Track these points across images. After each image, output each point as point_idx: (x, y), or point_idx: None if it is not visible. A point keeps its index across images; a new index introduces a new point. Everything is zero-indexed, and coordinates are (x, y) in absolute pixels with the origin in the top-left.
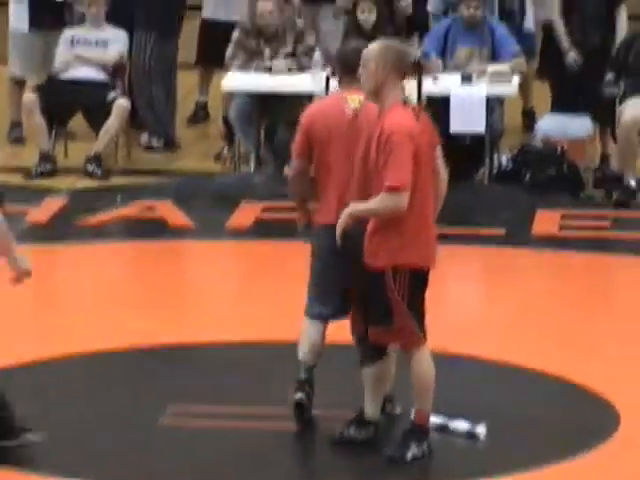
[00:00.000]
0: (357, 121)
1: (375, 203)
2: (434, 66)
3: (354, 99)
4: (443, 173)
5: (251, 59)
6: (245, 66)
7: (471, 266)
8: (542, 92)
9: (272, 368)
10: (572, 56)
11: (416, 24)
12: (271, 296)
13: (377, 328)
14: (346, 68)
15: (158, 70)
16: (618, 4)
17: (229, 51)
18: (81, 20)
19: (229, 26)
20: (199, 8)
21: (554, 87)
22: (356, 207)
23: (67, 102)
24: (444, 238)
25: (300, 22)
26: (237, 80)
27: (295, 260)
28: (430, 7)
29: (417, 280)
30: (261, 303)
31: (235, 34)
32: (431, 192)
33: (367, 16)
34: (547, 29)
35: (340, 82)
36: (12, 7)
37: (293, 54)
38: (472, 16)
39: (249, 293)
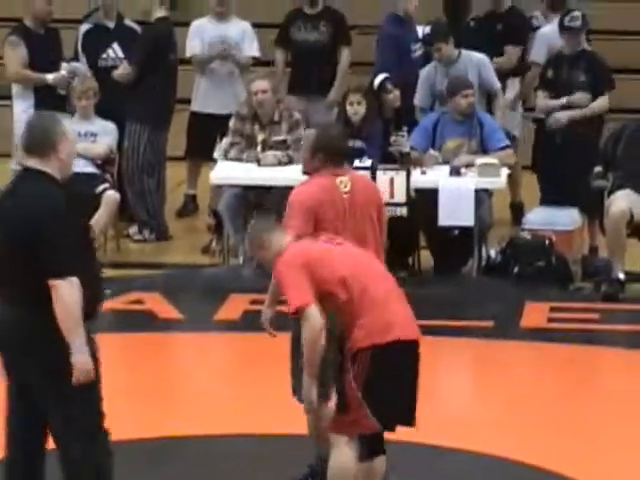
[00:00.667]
0: (353, 200)
1: (304, 349)
2: (430, 160)
3: (343, 181)
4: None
5: (248, 146)
6: (241, 156)
7: (460, 358)
8: (530, 185)
9: (264, 460)
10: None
11: (404, 117)
12: (261, 389)
13: (334, 417)
14: (333, 152)
15: (150, 162)
16: (602, 94)
17: (226, 140)
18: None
19: (218, 120)
20: (188, 101)
21: (542, 180)
22: (305, 372)
23: None
24: (432, 330)
25: (297, 114)
26: (225, 173)
27: (285, 352)
28: (417, 101)
29: (381, 357)
30: (251, 396)
31: (232, 122)
32: (374, 268)
33: (356, 108)
34: (538, 123)
35: (323, 167)
36: (17, 103)
37: (286, 142)
38: (470, 104)
39: (239, 386)
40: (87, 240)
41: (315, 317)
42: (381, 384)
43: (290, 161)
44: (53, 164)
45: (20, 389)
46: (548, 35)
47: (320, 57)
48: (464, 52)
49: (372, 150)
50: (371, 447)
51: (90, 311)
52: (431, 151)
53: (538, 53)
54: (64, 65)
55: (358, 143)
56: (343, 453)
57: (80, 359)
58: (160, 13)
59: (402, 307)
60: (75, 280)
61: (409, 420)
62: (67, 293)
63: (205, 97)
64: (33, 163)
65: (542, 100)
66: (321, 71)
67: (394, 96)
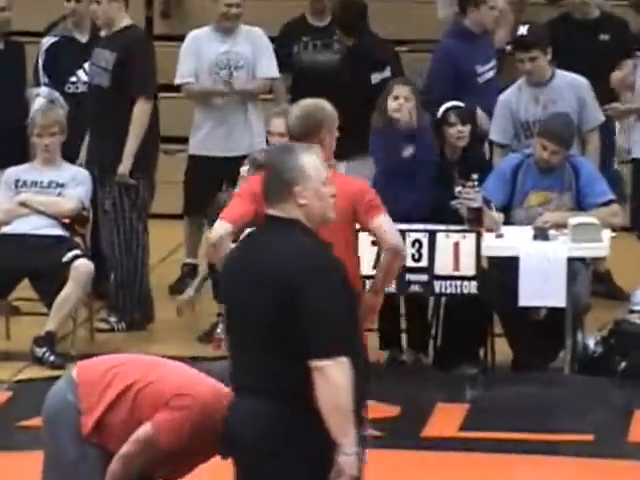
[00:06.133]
0: None
1: None
2: (490, 220)
3: None
4: (390, 239)
5: None
6: None
7: None
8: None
9: None
10: None
11: (474, 161)
12: None
13: None
14: None
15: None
16: None
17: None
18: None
19: (225, 164)
20: (185, 141)
21: None
22: None
23: (9, 265)
24: (511, 447)
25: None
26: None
27: None
28: (493, 135)
29: None
30: None
31: (244, 169)
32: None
33: (402, 104)
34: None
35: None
36: None
37: None
38: (546, 161)
39: None
40: (354, 307)
41: (215, 230)
42: None
43: None
44: (295, 211)
45: None
46: None
47: (333, 84)
48: (559, 72)
49: (422, 199)
50: None
51: (357, 404)
52: (493, 211)
53: None
54: (42, 91)
55: (409, 150)
56: None
57: (348, 462)
58: (126, 21)
59: None
60: (345, 361)
61: None
62: (337, 378)
63: (207, 135)
64: (273, 211)
65: None
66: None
67: (458, 132)
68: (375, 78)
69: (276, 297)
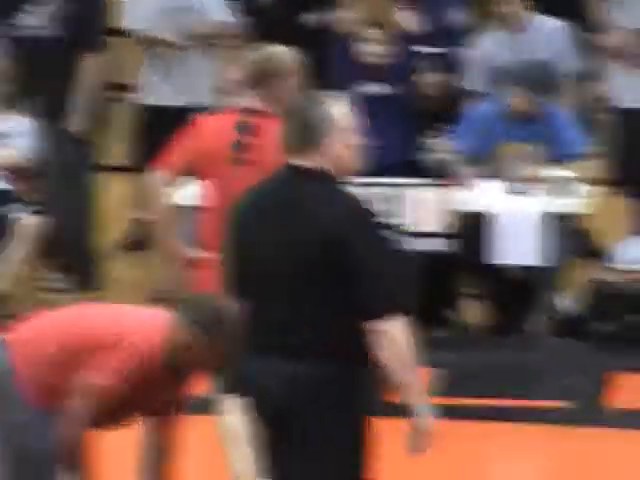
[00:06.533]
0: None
1: None
2: (461, 173)
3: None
4: None
5: None
6: None
7: (523, 453)
8: (618, 204)
9: None
10: None
11: (444, 111)
12: None
13: None
14: None
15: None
16: None
17: None
18: None
19: (177, 114)
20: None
21: None
22: None
23: None
24: (484, 412)
25: None
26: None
27: None
28: (466, 83)
29: None
30: None
31: None
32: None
33: (374, 48)
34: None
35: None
36: None
37: None
38: (521, 111)
39: None
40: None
41: (151, 178)
42: None
43: None
44: (323, 161)
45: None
46: None
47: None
48: (536, 16)
49: (391, 152)
50: None
51: None
52: (464, 164)
53: None
54: None
55: (385, 87)
56: None
57: (423, 423)
58: None
59: None
60: (403, 319)
61: None
62: (398, 336)
63: (158, 84)
64: (299, 160)
65: None
66: None
67: (431, 81)
68: (306, 19)
69: (319, 249)
